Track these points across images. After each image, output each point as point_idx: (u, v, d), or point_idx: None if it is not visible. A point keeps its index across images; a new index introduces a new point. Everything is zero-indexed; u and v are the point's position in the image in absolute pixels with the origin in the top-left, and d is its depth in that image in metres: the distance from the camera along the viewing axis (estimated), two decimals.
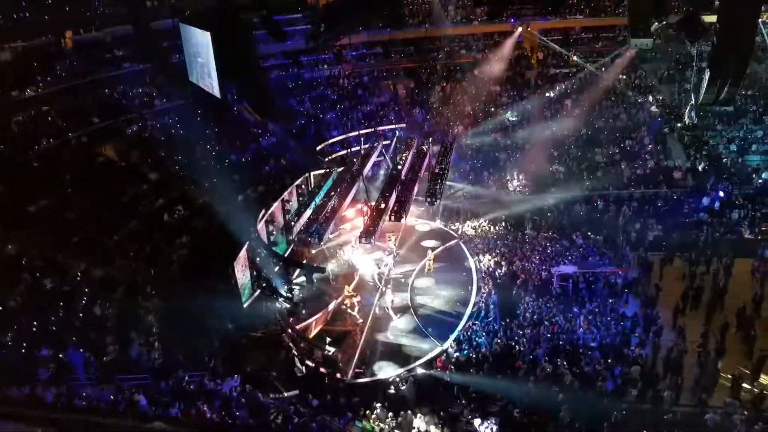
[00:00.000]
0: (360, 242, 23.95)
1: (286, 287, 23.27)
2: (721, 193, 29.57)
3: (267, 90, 19.36)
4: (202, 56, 17.36)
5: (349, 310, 22.95)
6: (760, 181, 30.46)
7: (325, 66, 41.05)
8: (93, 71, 30.96)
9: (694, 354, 19.98)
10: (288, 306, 22.83)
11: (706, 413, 17.00)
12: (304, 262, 25.85)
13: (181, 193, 28.01)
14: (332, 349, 20.20)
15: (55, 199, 24.48)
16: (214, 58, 16.52)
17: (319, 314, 22.79)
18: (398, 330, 22.35)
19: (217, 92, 17.44)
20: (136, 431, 2.33)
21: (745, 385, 18.57)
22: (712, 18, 16.40)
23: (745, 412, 16.73)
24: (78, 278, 21.58)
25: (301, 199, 28.28)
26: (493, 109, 38.82)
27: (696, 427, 16.56)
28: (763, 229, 27.26)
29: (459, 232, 29.55)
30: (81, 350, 17.82)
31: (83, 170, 26.87)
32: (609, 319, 21.88)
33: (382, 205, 25.01)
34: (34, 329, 18.22)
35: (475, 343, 20.89)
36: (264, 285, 23.08)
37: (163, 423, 2.27)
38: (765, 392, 17.64)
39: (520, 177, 33.50)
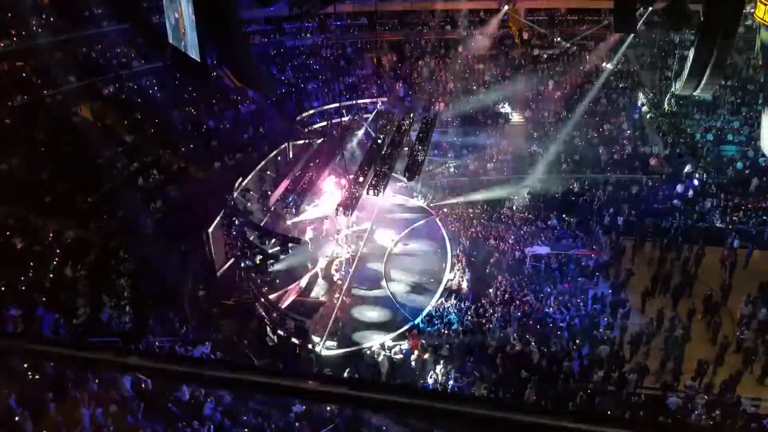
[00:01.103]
0: (337, 215, 23.90)
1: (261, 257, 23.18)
2: (696, 182, 29.97)
3: (248, 55, 19.04)
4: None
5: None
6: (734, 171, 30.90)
7: (308, 35, 40.47)
8: (69, 29, 30.19)
9: (661, 338, 20.38)
10: (262, 275, 22.77)
11: (668, 396, 17.43)
12: (280, 232, 25.74)
13: (157, 158, 27.63)
14: (304, 320, 20.26)
15: (28, 157, 23.99)
16: (194, 20, 16.20)
17: (293, 284, 22.79)
18: (371, 304, 22.46)
19: (196, 55, 17.12)
20: (113, 364, 2.29)
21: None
22: (697, 6, 16.48)
23: (706, 396, 17.18)
24: (50, 239, 21.28)
25: (279, 169, 28.06)
26: (475, 87, 38.71)
27: (658, 410, 16.97)
28: (734, 218, 27.71)
29: (436, 209, 29.60)
30: (50, 311, 17.64)
31: (58, 129, 26.33)
32: (579, 300, 22.22)
33: (361, 179, 24.92)
34: (3, 288, 17.97)
35: (446, 320, 21.07)
36: (245, 254, 22.86)
37: (138, 357, 2.23)
38: (731, 375, 18.03)
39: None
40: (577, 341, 19.73)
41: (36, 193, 22.50)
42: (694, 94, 16.60)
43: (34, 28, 29.39)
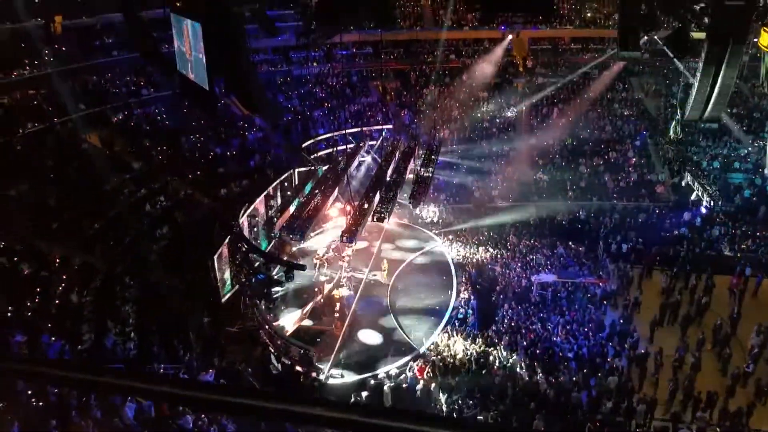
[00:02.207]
0: (341, 242, 23.86)
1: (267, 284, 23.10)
2: (703, 209, 29.84)
3: (256, 84, 19.21)
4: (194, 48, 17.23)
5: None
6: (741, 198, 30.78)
7: (315, 64, 40.95)
8: (80, 58, 30.65)
9: (670, 368, 20.06)
10: (267, 302, 22.69)
11: (679, 428, 17.11)
12: (285, 258, 25.71)
13: (164, 184, 27.77)
14: (309, 348, 20.11)
15: (36, 183, 24.13)
16: (203, 49, 16.37)
17: (298, 311, 22.69)
18: (377, 332, 22.31)
19: (205, 84, 17.29)
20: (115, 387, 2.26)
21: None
22: (700, 35, 16.56)
23: (717, 429, 16.86)
24: (56, 265, 21.29)
25: (284, 195, 28.14)
26: (479, 115, 38.95)
27: None
28: (742, 247, 27.48)
29: (442, 235, 29.55)
30: (54, 338, 17.56)
31: (66, 156, 26.54)
32: (587, 330, 21.97)
33: (366, 206, 24.93)
34: (9, 314, 17.92)
35: (454, 350, 20.85)
36: (250, 281, 22.78)
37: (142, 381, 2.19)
38: (740, 409, 17.69)
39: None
40: (585, 371, 19.45)
41: (43, 219, 22.58)
42: (701, 122, 16.63)
43: (47, 57, 29.85)
